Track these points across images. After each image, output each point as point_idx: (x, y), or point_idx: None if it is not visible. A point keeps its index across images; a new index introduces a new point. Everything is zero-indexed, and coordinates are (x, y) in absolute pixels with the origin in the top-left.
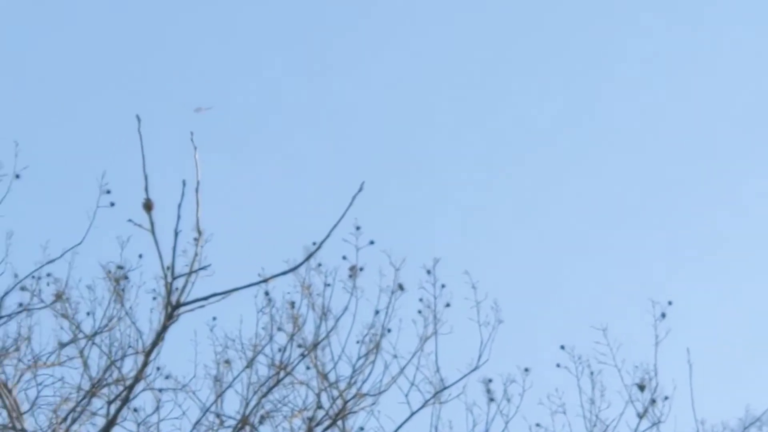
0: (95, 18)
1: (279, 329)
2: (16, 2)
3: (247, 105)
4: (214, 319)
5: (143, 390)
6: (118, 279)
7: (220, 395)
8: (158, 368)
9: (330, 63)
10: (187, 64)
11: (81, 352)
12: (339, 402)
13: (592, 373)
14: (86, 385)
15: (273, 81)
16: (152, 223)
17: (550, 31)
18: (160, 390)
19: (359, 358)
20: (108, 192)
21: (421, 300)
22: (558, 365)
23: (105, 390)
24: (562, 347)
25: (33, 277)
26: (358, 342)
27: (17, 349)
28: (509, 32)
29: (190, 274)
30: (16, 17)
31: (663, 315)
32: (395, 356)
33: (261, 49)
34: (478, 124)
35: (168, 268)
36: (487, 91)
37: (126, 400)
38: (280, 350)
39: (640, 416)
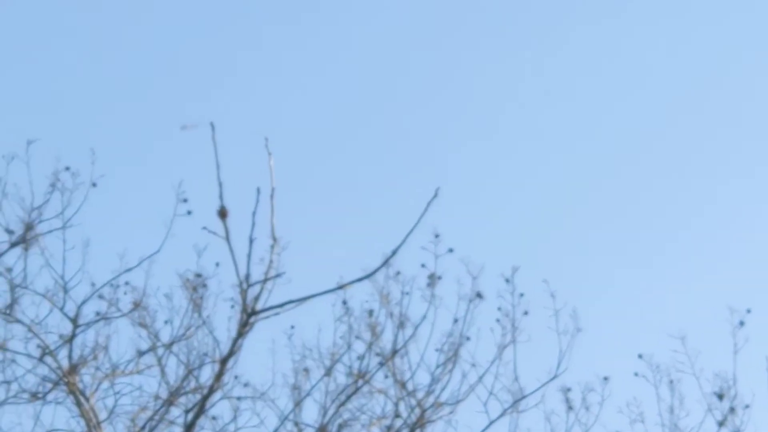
0: (168, 27)
1: (357, 338)
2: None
3: (318, 110)
4: (292, 327)
5: (221, 398)
6: (196, 287)
7: (298, 404)
8: (236, 377)
9: (410, 81)
10: (262, 69)
11: (159, 360)
12: (417, 411)
13: (670, 382)
14: (164, 394)
15: (343, 85)
16: (227, 231)
17: None
18: (238, 398)
19: (437, 367)
20: (185, 200)
21: (499, 308)
22: (636, 374)
23: (182, 398)
24: (641, 356)
25: (111, 285)
26: (436, 350)
27: (95, 358)
28: None
29: (265, 281)
30: (88, 29)
31: (741, 323)
32: (473, 365)
33: (333, 58)
34: (559, 132)
35: (244, 276)
36: (575, 100)
37: (203, 409)
38: (358, 359)
39: (720, 425)
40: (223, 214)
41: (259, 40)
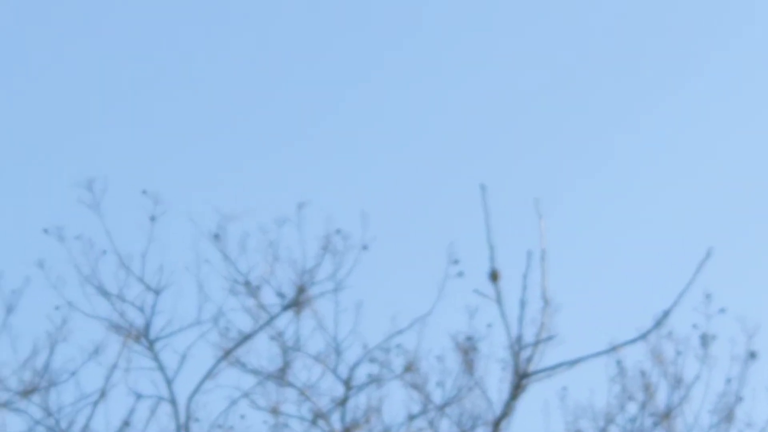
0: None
1: (630, 398)
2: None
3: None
4: (565, 388)
5: None
6: (467, 349)
7: None
8: None
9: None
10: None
11: (431, 423)
12: None
13: None
14: None
15: None
16: (499, 294)
17: None
18: None
19: (711, 428)
20: (456, 262)
21: None
22: None
23: None
24: None
25: (382, 348)
26: (710, 411)
27: (368, 421)
28: None
29: (537, 343)
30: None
31: None
32: (749, 425)
33: None
34: None
35: (516, 338)
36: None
37: None
38: (631, 420)
39: None
40: (494, 276)
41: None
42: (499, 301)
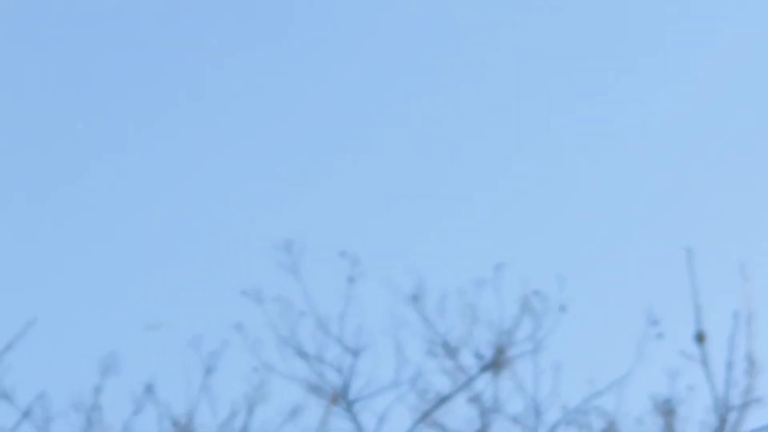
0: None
1: None
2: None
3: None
4: None
5: None
6: (667, 412)
7: None
8: None
9: None
10: None
11: None
12: None
13: None
14: None
15: None
16: (704, 355)
17: None
18: None
19: None
20: (655, 323)
21: None
22: None
23: None
24: None
25: (581, 409)
26: None
27: None
28: None
29: (744, 406)
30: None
31: None
32: None
33: None
34: None
35: (722, 400)
36: None
37: None
38: None
39: None
40: (701, 338)
41: None
42: (704, 362)
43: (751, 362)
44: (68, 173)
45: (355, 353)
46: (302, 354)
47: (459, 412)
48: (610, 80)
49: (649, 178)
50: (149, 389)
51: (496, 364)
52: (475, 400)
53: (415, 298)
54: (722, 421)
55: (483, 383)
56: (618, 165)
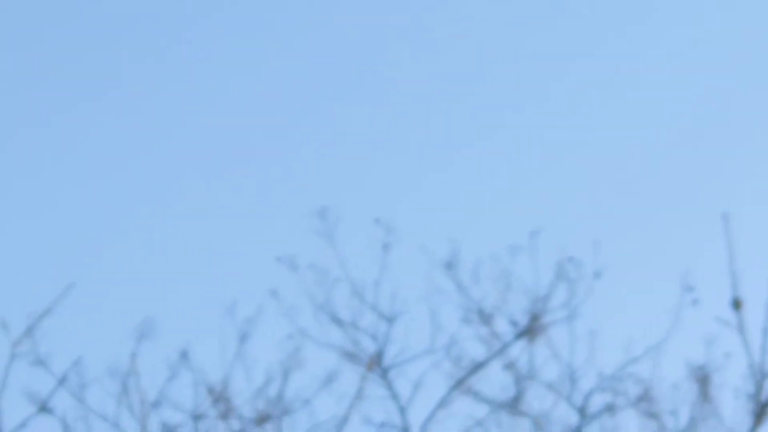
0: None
1: None
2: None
3: None
4: None
5: None
6: (703, 378)
7: None
8: None
9: None
10: None
11: None
12: None
13: None
14: None
15: None
16: (741, 321)
17: None
18: None
19: None
20: (690, 289)
21: None
22: None
23: None
24: None
25: (616, 376)
26: None
27: None
28: None
29: None
30: None
31: None
32: None
33: None
34: None
35: (758, 366)
36: None
37: None
38: None
39: None
40: (737, 304)
41: None
42: (740, 329)
43: None
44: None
45: (390, 320)
46: (337, 321)
47: (494, 379)
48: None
49: (686, 145)
50: (185, 355)
51: (531, 330)
52: (510, 367)
53: (450, 265)
54: (758, 387)
55: (518, 350)
56: (654, 131)
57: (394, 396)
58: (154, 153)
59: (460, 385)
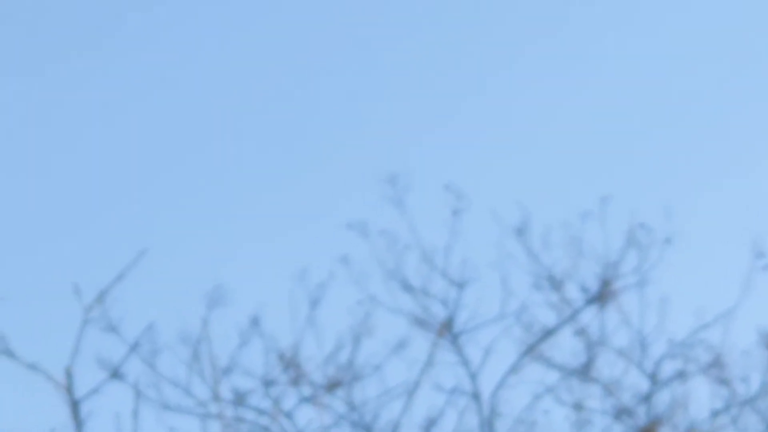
0: None
1: None
2: None
3: None
4: None
5: None
6: None
7: None
8: None
9: None
10: None
11: (735, 418)
12: None
13: None
14: None
15: None
16: None
17: None
18: None
19: None
20: (761, 255)
21: None
22: None
23: None
24: None
25: (687, 342)
26: None
27: (672, 416)
28: None
29: None
30: None
31: None
32: None
33: None
34: None
35: None
36: None
37: None
38: None
39: None
40: None
41: None
42: None
43: None
44: None
45: (461, 286)
46: (408, 287)
47: (564, 345)
48: None
49: (758, 108)
50: (256, 322)
51: (601, 297)
52: (581, 333)
53: (521, 231)
54: None
55: (588, 316)
56: (722, 95)
57: (465, 362)
58: (235, 123)
59: (530, 351)
